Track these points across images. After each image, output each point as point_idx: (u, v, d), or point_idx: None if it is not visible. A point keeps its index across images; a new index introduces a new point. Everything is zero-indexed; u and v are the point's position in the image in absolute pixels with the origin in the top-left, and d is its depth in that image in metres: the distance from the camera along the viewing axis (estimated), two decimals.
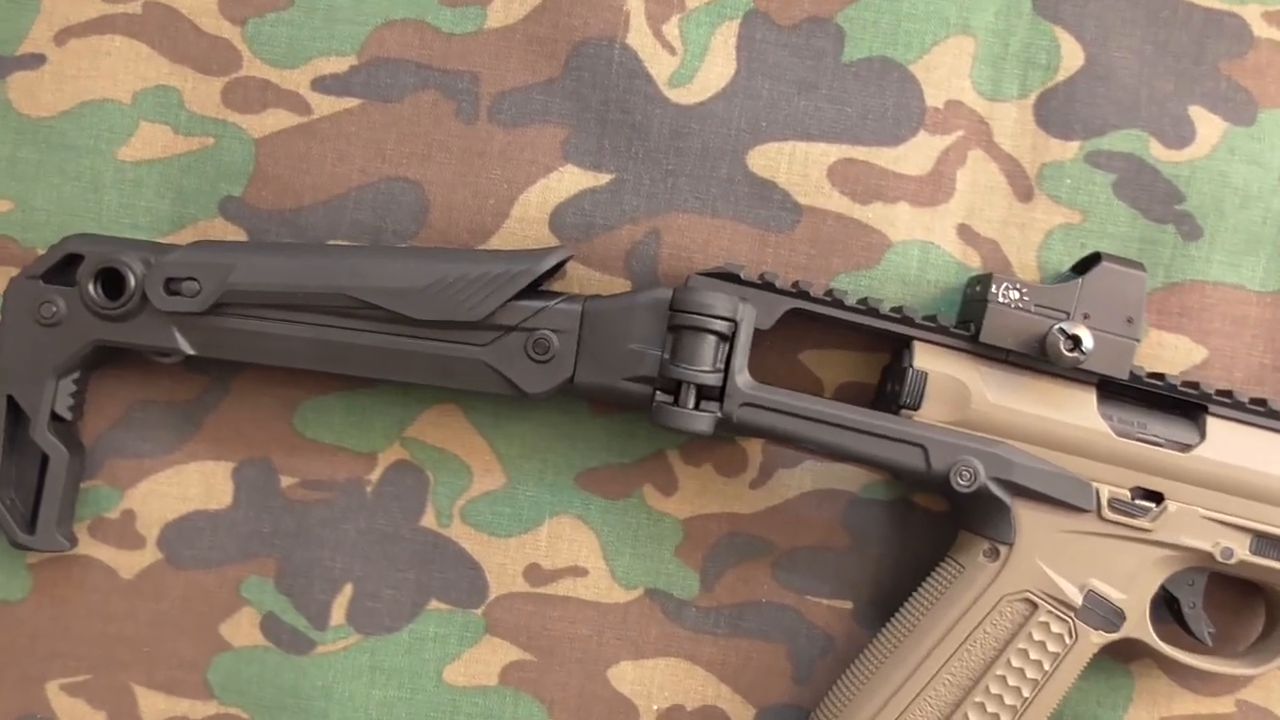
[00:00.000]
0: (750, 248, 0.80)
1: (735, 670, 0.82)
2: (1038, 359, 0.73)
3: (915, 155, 0.80)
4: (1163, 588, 0.77)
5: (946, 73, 0.81)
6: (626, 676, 0.81)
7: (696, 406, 0.72)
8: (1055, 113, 0.81)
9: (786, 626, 0.82)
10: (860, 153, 0.80)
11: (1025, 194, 0.81)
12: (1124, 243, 0.80)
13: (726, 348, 0.73)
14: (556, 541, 0.81)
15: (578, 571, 0.81)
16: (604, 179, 0.80)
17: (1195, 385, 0.75)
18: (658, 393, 0.73)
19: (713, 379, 0.72)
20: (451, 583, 0.81)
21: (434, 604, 0.81)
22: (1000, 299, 0.73)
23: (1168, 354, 0.81)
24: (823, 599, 0.82)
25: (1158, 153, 0.80)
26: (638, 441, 0.81)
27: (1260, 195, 0.80)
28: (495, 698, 0.81)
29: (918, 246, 0.80)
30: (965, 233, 0.80)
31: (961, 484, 0.73)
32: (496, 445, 0.81)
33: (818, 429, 0.73)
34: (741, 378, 0.73)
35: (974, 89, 0.81)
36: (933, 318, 0.74)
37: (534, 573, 0.81)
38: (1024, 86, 0.81)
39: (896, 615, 0.77)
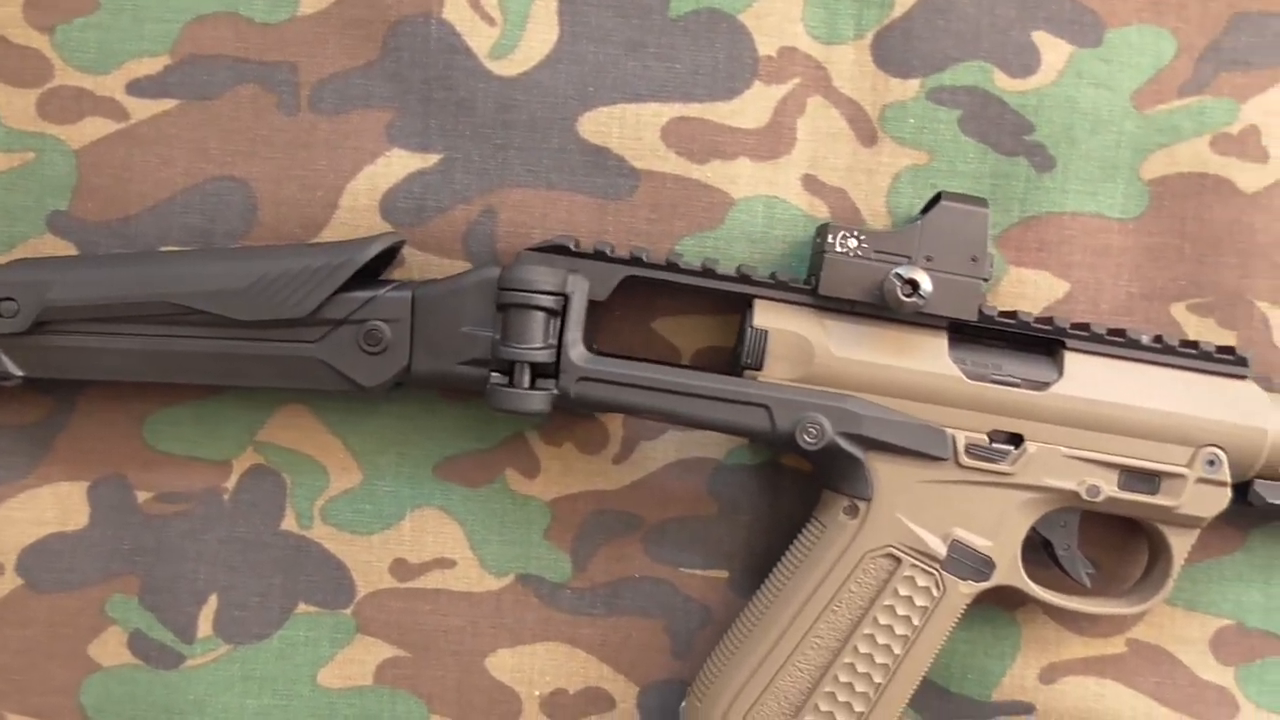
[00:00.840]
0: (589, 218, 0.78)
1: (615, 649, 0.80)
2: (881, 307, 0.70)
3: (751, 108, 0.78)
4: (1035, 531, 0.74)
5: (778, 19, 0.78)
6: (505, 664, 0.80)
7: (532, 385, 0.70)
8: (894, 51, 0.78)
9: (662, 601, 0.80)
10: (694, 110, 0.78)
11: (869, 138, 0.78)
12: (975, 179, 0.78)
13: (558, 323, 0.70)
14: (420, 534, 0.79)
15: (445, 563, 0.79)
16: (432, 159, 0.78)
17: (1050, 321, 0.72)
18: (493, 375, 0.70)
19: (545, 356, 0.70)
20: (318, 585, 0.79)
21: (302, 607, 0.79)
22: (837, 249, 0.71)
23: (1029, 290, 0.78)
24: (696, 570, 0.79)
25: (1003, 83, 0.78)
26: (495, 426, 0.79)
27: (1112, 119, 0.77)
28: (372, 697, 0.79)
29: (762, 202, 0.78)
30: (810, 183, 0.78)
31: (808, 442, 0.70)
32: (350, 442, 0.79)
33: (659, 398, 0.71)
34: (576, 352, 0.70)
35: (808, 33, 0.78)
36: (774, 274, 0.71)
37: (400, 568, 0.79)
38: (860, 26, 0.78)
39: (766, 581, 0.75)
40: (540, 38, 0.78)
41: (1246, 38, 0.77)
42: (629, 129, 0.78)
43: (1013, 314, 0.73)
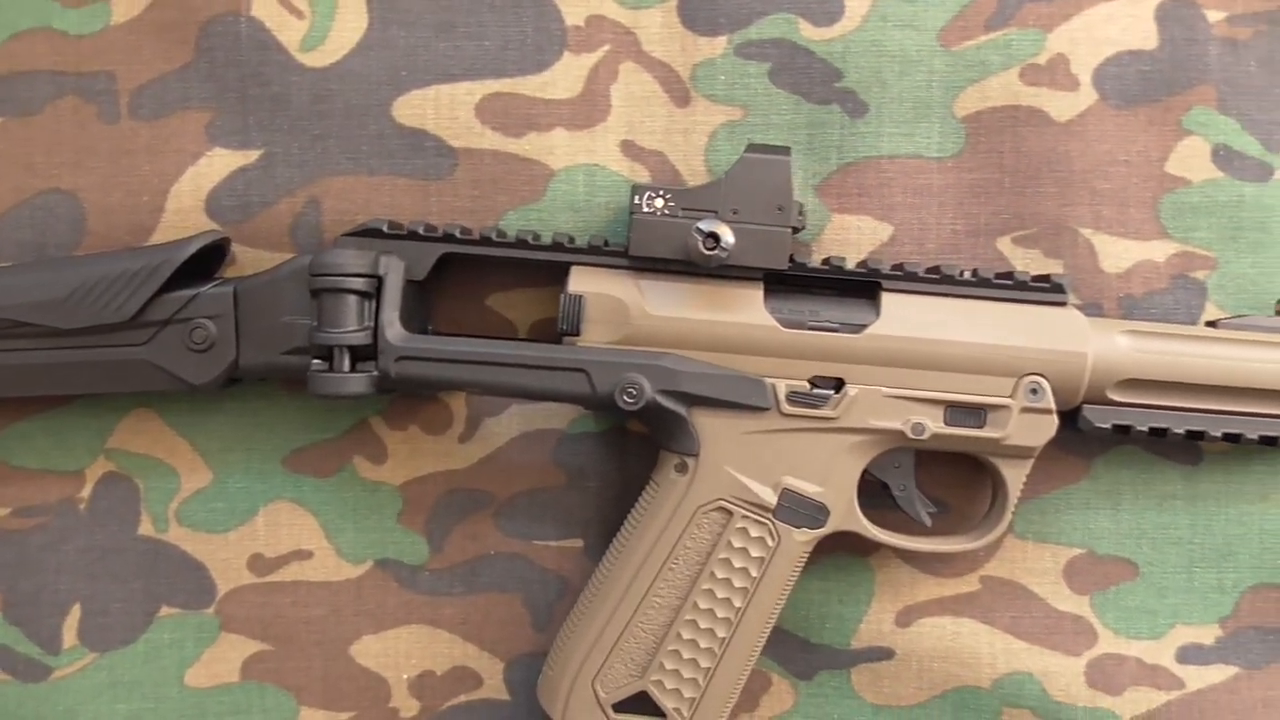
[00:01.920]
0: (413, 200, 0.78)
1: (477, 627, 0.80)
2: (691, 264, 0.71)
3: (563, 78, 0.78)
4: (871, 474, 0.74)
5: None
6: (370, 650, 0.80)
7: (353, 369, 0.70)
8: (699, 10, 0.78)
9: (519, 575, 0.80)
10: (506, 85, 0.78)
11: (682, 98, 0.78)
12: (790, 130, 0.78)
13: (374, 305, 0.71)
14: (275, 528, 0.80)
15: (302, 555, 0.80)
16: (253, 155, 0.78)
17: (867, 264, 0.72)
18: (313, 361, 0.71)
19: (362, 338, 0.71)
20: (179, 586, 0.80)
21: (165, 610, 0.80)
22: (645, 209, 0.71)
23: (854, 236, 0.78)
24: (550, 541, 0.80)
25: (808, 33, 0.78)
26: (339, 415, 0.80)
27: (920, 58, 0.78)
28: (241, 693, 0.80)
29: (582, 171, 0.78)
30: (629, 148, 0.78)
31: (628, 402, 0.71)
32: (197, 442, 0.80)
33: (479, 371, 0.72)
34: (393, 332, 0.71)
35: (614, 0, 0.78)
36: (590, 240, 0.73)
37: (258, 563, 0.80)
38: None
39: (611, 546, 0.75)
40: (350, 26, 0.78)
41: None
42: (444, 109, 0.78)
43: (830, 260, 0.73)
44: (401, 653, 0.80)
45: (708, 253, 0.69)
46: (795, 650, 0.80)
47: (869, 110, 0.78)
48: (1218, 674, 0.78)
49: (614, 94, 0.78)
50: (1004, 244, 0.78)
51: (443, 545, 0.80)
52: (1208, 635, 0.79)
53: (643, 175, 0.78)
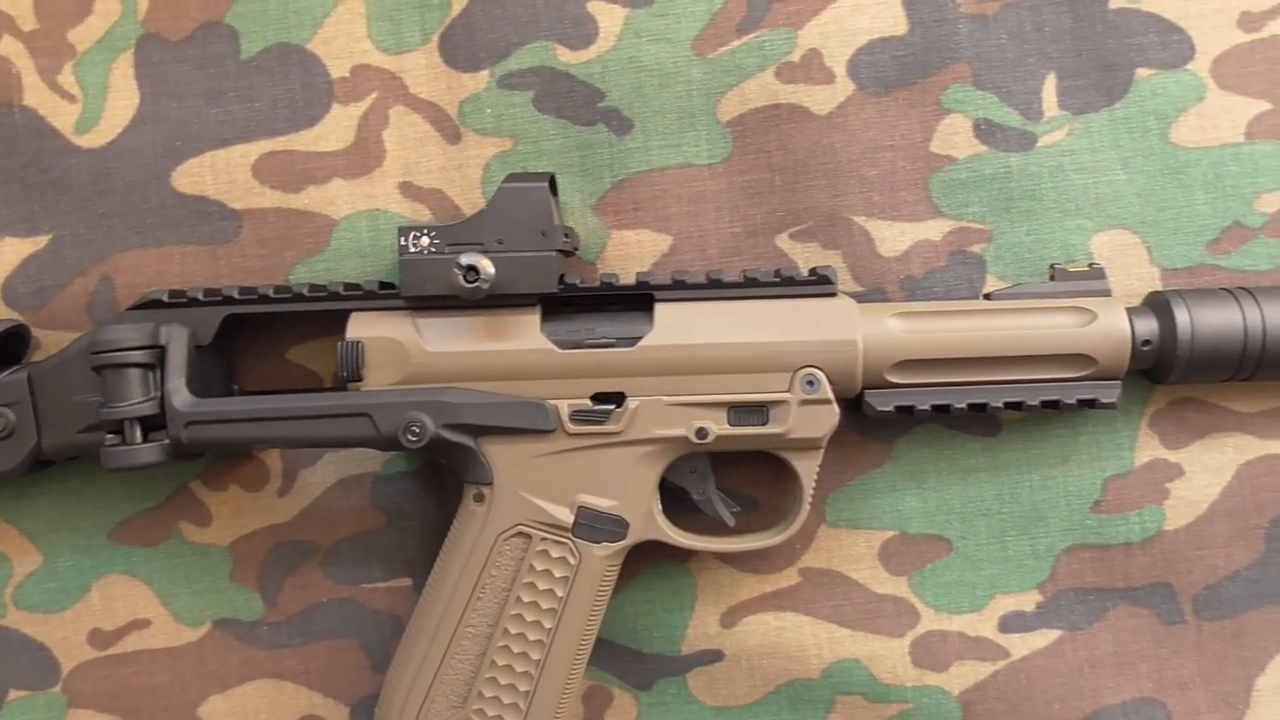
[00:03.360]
0: (203, 266, 0.80)
1: (319, 675, 0.82)
2: (461, 298, 0.72)
3: (335, 130, 0.80)
4: (671, 481, 0.75)
5: (345, 40, 0.80)
6: (218, 710, 0.81)
7: (145, 439, 0.72)
8: (460, 48, 0.80)
9: (352, 620, 0.82)
10: (280, 143, 0.80)
11: (454, 135, 0.80)
12: (561, 154, 0.80)
13: (158, 375, 0.72)
14: (110, 601, 0.81)
15: (139, 624, 0.81)
16: (42, 241, 0.80)
17: (641, 278, 0.74)
18: (107, 436, 0.72)
19: (148, 409, 0.72)
20: (24, 670, 0.81)
21: (14, 694, 0.81)
22: (412, 249, 0.73)
23: (634, 251, 0.80)
24: (378, 583, 0.81)
25: (566, 57, 0.79)
26: (158, 483, 0.81)
27: (678, 69, 0.79)
28: None
29: (364, 217, 0.80)
30: (408, 189, 0.80)
31: (411, 440, 0.72)
32: (24, 526, 0.81)
33: (268, 427, 0.73)
34: (179, 399, 0.72)
35: (377, 48, 0.80)
36: (367, 285, 0.74)
37: (97, 637, 0.81)
38: (425, 31, 0.80)
39: (428, 582, 0.76)
40: (122, 105, 0.80)
41: None
42: (222, 174, 0.80)
43: (604, 278, 0.74)
44: (250, 709, 0.81)
45: (469, 285, 0.71)
46: (631, 662, 0.81)
47: (634, 126, 0.79)
48: (1041, 639, 0.79)
49: (387, 138, 0.80)
50: (783, 241, 0.79)
51: (277, 599, 0.81)
52: (1028, 602, 0.79)
53: (424, 214, 0.80)
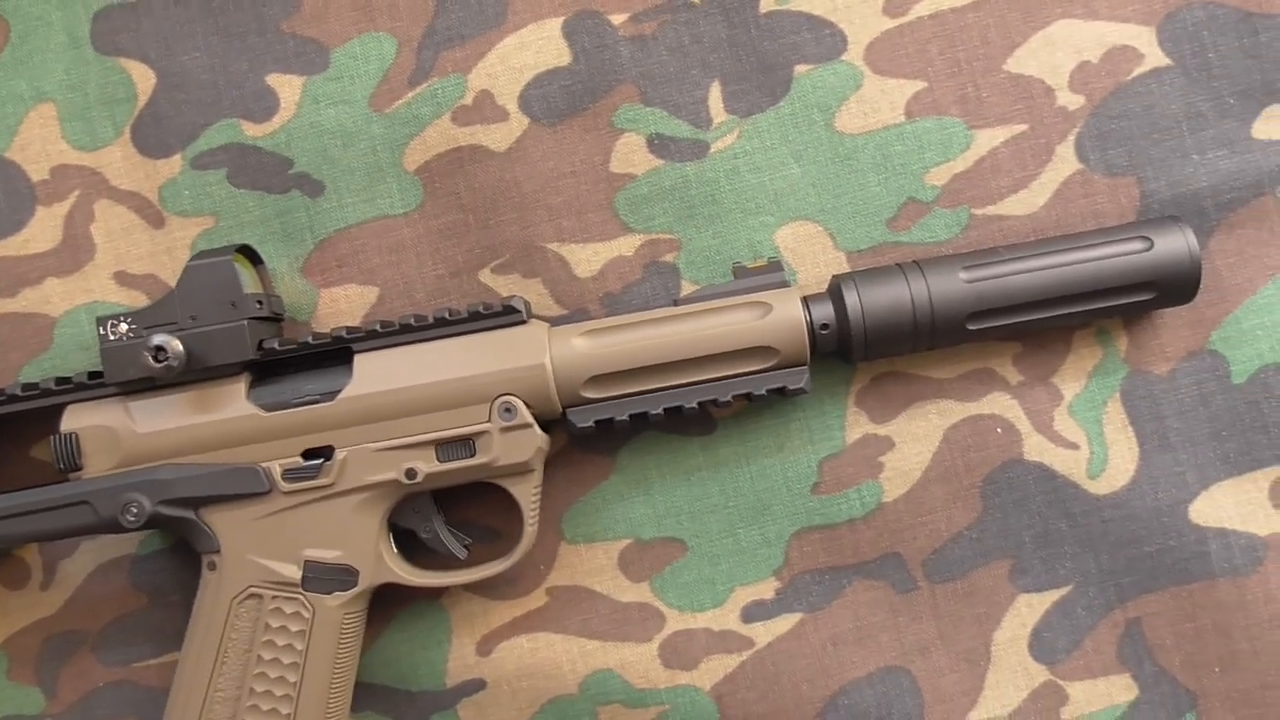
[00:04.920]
0: None
1: None
2: (158, 378, 0.75)
3: (41, 231, 0.83)
4: (396, 526, 0.78)
5: (40, 144, 0.83)
6: None
7: None
8: (150, 136, 0.83)
9: (129, 699, 0.84)
10: None
11: (157, 220, 0.83)
12: (262, 224, 0.82)
13: None
14: None
15: None
16: None
17: (338, 332, 0.77)
18: None
19: None
20: None
21: None
22: (111, 337, 0.75)
23: (344, 306, 0.82)
24: (150, 660, 0.84)
25: (251, 131, 0.83)
26: None
27: (358, 128, 0.82)
28: None
29: (83, 311, 0.83)
30: (122, 278, 0.83)
31: (130, 520, 0.75)
32: None
33: None
34: None
35: (73, 147, 0.83)
36: (79, 376, 0.77)
37: None
38: (116, 125, 0.83)
39: (181, 652, 0.79)
40: None
41: (457, 13, 0.83)
42: None
43: (305, 338, 0.77)
44: None
45: (160, 365, 0.74)
46: (402, 703, 0.83)
47: (326, 188, 0.82)
48: (784, 624, 0.82)
49: (95, 232, 0.83)
50: (486, 276, 0.82)
51: (55, 690, 0.84)
52: (767, 590, 0.82)
53: (142, 300, 0.82)
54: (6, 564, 0.83)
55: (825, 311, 0.76)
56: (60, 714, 0.84)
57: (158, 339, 0.74)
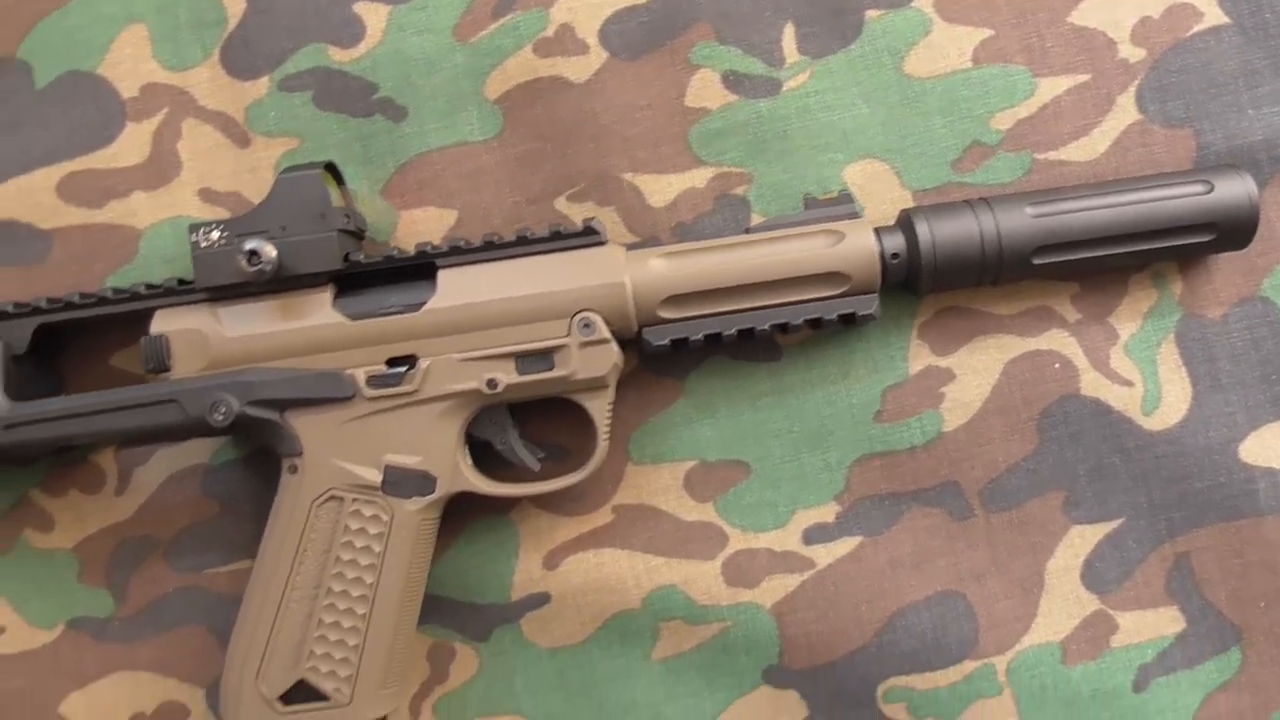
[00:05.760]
0: (19, 287, 0.85)
1: (174, 662, 0.86)
2: (252, 283, 0.77)
3: (130, 146, 0.85)
4: (475, 434, 0.80)
5: (131, 63, 0.85)
6: (79, 707, 0.85)
7: None
8: (239, 58, 0.85)
9: (199, 606, 0.86)
10: (79, 164, 0.85)
11: (243, 140, 0.85)
12: (345, 147, 0.85)
13: None
14: None
15: None
16: None
17: (424, 249, 0.79)
18: None
19: None
20: None
21: None
22: (202, 244, 0.78)
23: (423, 227, 0.85)
24: (219, 568, 0.85)
25: (338, 56, 0.85)
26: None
27: (441, 55, 0.85)
28: None
29: (167, 225, 0.85)
30: (207, 195, 0.85)
31: (219, 420, 0.77)
32: None
33: (86, 422, 0.78)
34: None
35: (163, 67, 0.85)
36: (167, 283, 0.79)
37: None
38: (205, 47, 0.86)
39: (257, 555, 0.81)
40: None
41: None
42: (26, 198, 0.85)
43: (389, 253, 0.79)
44: (109, 703, 0.85)
45: (253, 269, 0.76)
46: (467, 615, 0.85)
47: (409, 113, 0.85)
48: (844, 547, 0.84)
49: (181, 150, 0.85)
50: (561, 204, 0.85)
51: (125, 594, 0.85)
52: (828, 514, 0.85)
53: (225, 214, 0.85)
54: (83, 469, 0.85)
55: (896, 241, 0.79)
56: (129, 617, 0.85)
57: (252, 243, 0.76)
